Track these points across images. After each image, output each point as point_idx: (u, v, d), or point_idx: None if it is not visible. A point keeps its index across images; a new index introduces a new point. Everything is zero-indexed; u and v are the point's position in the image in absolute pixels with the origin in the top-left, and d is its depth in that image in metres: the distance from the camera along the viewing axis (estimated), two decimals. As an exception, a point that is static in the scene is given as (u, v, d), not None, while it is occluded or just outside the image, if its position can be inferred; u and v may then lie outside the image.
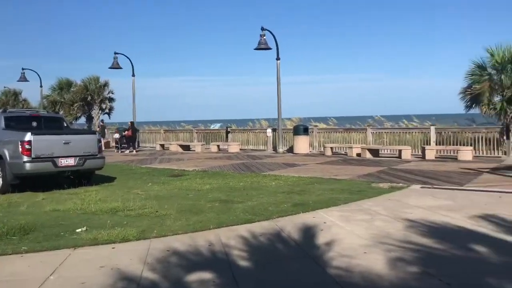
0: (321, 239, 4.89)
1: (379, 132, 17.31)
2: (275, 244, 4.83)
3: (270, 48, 18.16)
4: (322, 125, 21.91)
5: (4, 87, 36.06)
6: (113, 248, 4.86)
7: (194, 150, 20.22)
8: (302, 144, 17.42)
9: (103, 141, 15.74)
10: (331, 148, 16.78)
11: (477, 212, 5.85)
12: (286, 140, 18.90)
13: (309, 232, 5.19)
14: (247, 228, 5.46)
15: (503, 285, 3.37)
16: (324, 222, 5.64)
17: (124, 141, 20.86)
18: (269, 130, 19.24)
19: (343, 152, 16.59)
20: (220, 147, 20.04)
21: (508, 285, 3.36)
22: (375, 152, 15.41)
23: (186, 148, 20.92)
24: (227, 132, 20.88)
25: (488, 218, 5.53)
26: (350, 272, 3.78)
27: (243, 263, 4.21)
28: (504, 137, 14.41)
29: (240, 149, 19.62)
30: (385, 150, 15.89)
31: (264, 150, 19.16)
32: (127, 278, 3.84)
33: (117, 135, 22.08)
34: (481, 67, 16.85)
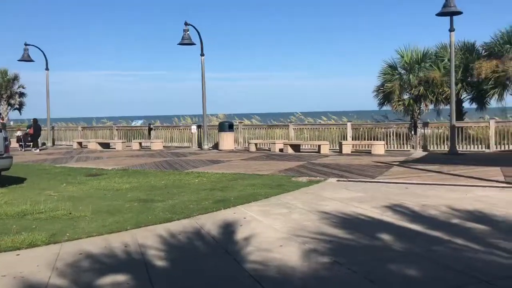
0: (240, 234, 4.95)
1: (300, 128, 17.90)
2: (194, 242, 4.81)
3: (194, 44, 17.98)
4: (247, 122, 22.18)
5: None
6: (17, 255, 4.52)
7: (114, 148, 19.43)
8: (227, 141, 17.49)
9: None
10: (255, 144, 17.06)
11: (385, 203, 6.29)
12: (211, 137, 18.86)
13: (228, 228, 5.23)
14: (166, 227, 5.37)
15: (403, 270, 3.66)
16: (244, 218, 5.71)
17: (29, 139, 19.54)
18: (193, 127, 19.06)
19: (267, 148, 16.93)
20: (142, 144, 19.46)
21: (407, 269, 3.65)
22: (296, 148, 15.93)
23: (105, 146, 20.03)
24: (150, 129, 20.35)
25: (394, 208, 5.96)
26: (265, 265, 3.87)
27: (160, 262, 4.13)
28: (412, 132, 15.63)
29: (164, 147, 19.22)
30: (306, 146, 16.49)
31: (189, 147, 18.96)
32: (31, 287, 3.59)
33: (19, 133, 20.58)
34: (392, 67, 18.11)
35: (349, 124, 16.74)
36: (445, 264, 3.72)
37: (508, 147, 14.29)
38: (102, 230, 5.33)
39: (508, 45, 16.10)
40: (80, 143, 21.01)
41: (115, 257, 4.33)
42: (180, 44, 17.78)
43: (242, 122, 19.93)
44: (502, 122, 15.12)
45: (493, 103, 17.11)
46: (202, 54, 18.19)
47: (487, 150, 14.29)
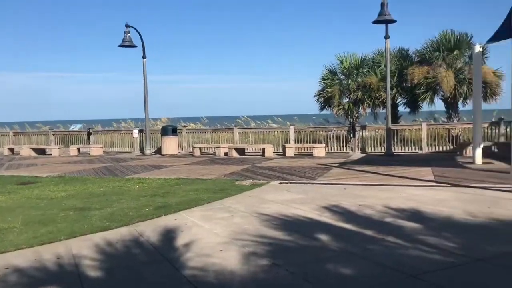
0: (180, 240, 4.88)
1: (245, 132, 17.99)
2: (132, 250, 4.67)
3: (135, 46, 17.54)
4: (191, 125, 21.94)
5: None
6: None
7: (50, 154, 18.44)
8: (170, 145, 17.20)
9: None
10: (200, 148, 16.92)
11: (324, 204, 6.47)
12: (154, 141, 18.46)
13: (169, 235, 5.14)
14: (103, 236, 5.18)
15: (339, 269, 3.78)
16: (185, 223, 5.64)
17: None
18: (135, 131, 18.56)
19: (212, 152, 16.84)
20: (81, 150, 18.63)
21: (343, 268, 3.78)
22: (241, 151, 15.99)
23: (41, 152, 18.96)
24: (89, 134, 19.53)
25: (333, 208, 6.15)
26: (205, 271, 3.84)
27: (95, 273, 3.97)
28: (351, 135, 16.23)
29: (104, 152, 18.54)
30: (251, 149, 16.59)
31: (131, 152, 18.43)
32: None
33: None
34: (332, 72, 18.75)
35: (292, 127, 17.07)
36: (378, 262, 3.88)
37: (439, 148, 15.24)
38: (32, 242, 5.04)
39: (437, 53, 17.19)
40: (11, 149, 19.73)
41: (46, 270, 4.11)
42: (120, 46, 17.29)
43: (186, 126, 19.69)
44: (433, 125, 16.10)
45: (424, 106, 18.20)
46: (144, 57, 17.79)
47: (420, 151, 15.13)
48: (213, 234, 5.09)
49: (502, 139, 14.07)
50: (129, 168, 12.61)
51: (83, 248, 4.70)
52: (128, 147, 19.01)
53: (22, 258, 4.45)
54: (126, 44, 17.22)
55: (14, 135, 21.39)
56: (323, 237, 4.73)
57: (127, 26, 17.13)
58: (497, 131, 14.61)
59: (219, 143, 17.22)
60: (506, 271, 3.57)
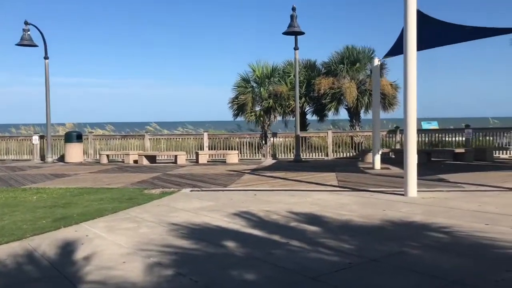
0: (80, 253, 4.59)
1: (157, 139, 17.56)
2: (24, 266, 4.29)
3: (36, 45, 16.32)
4: (99, 131, 20.88)
5: None
6: None
7: None
8: (74, 152, 16.20)
9: None
10: (107, 155, 16.15)
11: (234, 210, 6.52)
12: (57, 148, 17.26)
13: (67, 249, 4.81)
14: (-11, 253, 4.68)
15: (243, 274, 3.83)
16: (87, 235, 5.33)
17: None
18: (35, 137, 17.19)
19: (120, 160, 16.16)
20: (-30, 158, 16.79)
21: (247, 274, 3.84)
22: (152, 159, 15.55)
23: None
24: (-20, 140, 17.68)
25: (242, 215, 6.22)
26: (104, 284, 3.65)
27: (-22, 295, 3.58)
28: (263, 142, 16.64)
29: (-2, 160, 16.89)
30: (162, 156, 16.23)
31: (30, 160, 17.01)
32: None
33: None
34: (246, 80, 19.08)
35: (205, 134, 17.03)
36: (280, 266, 4.00)
37: (343, 154, 16.23)
38: None
39: (342, 65, 18.35)
40: None
41: None
42: (18, 45, 15.96)
43: (92, 132, 18.68)
44: (338, 133, 17.13)
45: (330, 115, 19.30)
46: (46, 57, 16.61)
47: (326, 158, 15.99)
48: (116, 245, 4.87)
49: (398, 146, 15.41)
50: (27, 178, 11.62)
51: (-35, 268, 4.21)
52: (26, 154, 17.54)
53: None
54: (25, 43, 15.97)
55: None
56: (230, 244, 4.76)
57: (26, 23, 15.88)
58: (394, 138, 15.98)
59: (128, 150, 16.58)
60: (396, 270, 3.89)
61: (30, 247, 4.92)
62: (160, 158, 16.13)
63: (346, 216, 6.03)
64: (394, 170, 11.45)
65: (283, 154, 16.36)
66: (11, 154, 17.68)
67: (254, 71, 18.99)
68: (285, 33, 14.98)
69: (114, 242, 5.02)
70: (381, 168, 11.84)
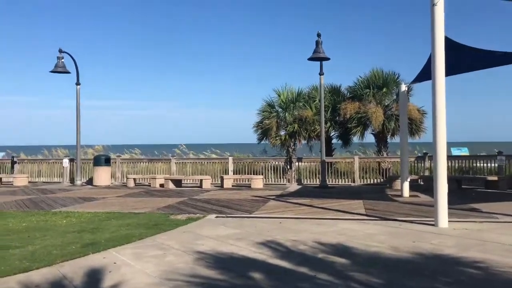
0: (108, 282, 4.62)
1: (183, 162, 17.76)
2: (54, 294, 4.35)
3: (68, 72, 16.97)
4: (126, 155, 21.29)
5: None
6: None
7: (-33, 184, 16.96)
8: (103, 176, 16.53)
9: None
10: (134, 179, 16.41)
11: (260, 239, 6.47)
12: (86, 171, 17.66)
13: (95, 276, 4.86)
14: (21, 279, 4.77)
15: (270, 308, 3.77)
16: (114, 262, 5.37)
17: None
18: (65, 160, 17.66)
19: (147, 183, 16.38)
20: (3, 180, 17.35)
21: (274, 307, 3.77)
22: (178, 183, 15.71)
23: (-44, 181, 17.40)
24: (13, 162, 18.29)
25: (268, 244, 6.16)
26: (132, 316, 3.65)
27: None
28: (288, 167, 16.59)
29: (30, 182, 17.39)
30: (188, 180, 16.37)
31: (60, 182, 17.44)
32: None
33: None
34: (270, 105, 19.21)
35: (230, 158, 17.13)
36: (309, 300, 3.92)
37: (370, 180, 15.98)
38: None
39: (368, 89, 18.27)
40: None
41: (-49, 321, 3.70)
42: (53, 71, 16.62)
43: (120, 156, 19.05)
44: (364, 158, 16.92)
45: (356, 140, 19.12)
46: (78, 83, 17.20)
47: (353, 184, 15.76)
48: (143, 274, 4.89)
49: (427, 173, 15.07)
50: (57, 201, 11.89)
51: (-3, 294, 4.31)
52: (57, 177, 18.00)
53: None
54: (59, 70, 16.61)
55: None
56: (257, 275, 4.70)
57: (60, 51, 16.56)
58: (422, 164, 15.65)
59: (155, 174, 16.81)
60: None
61: (59, 273, 4.99)
62: (185, 182, 16.27)
63: (374, 247, 5.89)
64: (424, 198, 11.18)
65: (308, 180, 16.23)
66: (42, 177, 18.18)
67: (279, 96, 19.13)
68: (310, 59, 15.11)
69: (141, 270, 5.04)
70: (410, 196, 11.58)
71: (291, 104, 18.91)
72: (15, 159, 18.52)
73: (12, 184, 16.83)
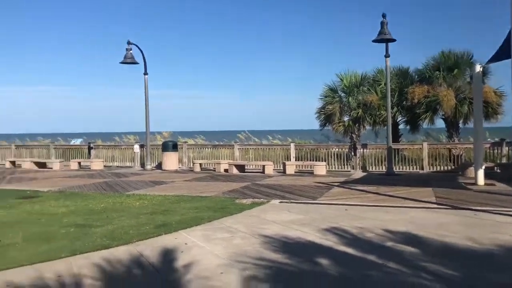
0: (180, 261, 4.87)
1: (245, 148, 18.03)
2: (132, 270, 4.66)
3: (137, 63, 17.70)
4: (191, 141, 22.00)
5: None
6: None
7: (51, 168, 18.46)
8: (171, 161, 17.23)
9: None
10: (200, 164, 16.94)
11: (325, 225, 6.46)
12: (155, 156, 18.50)
13: (168, 255, 5.13)
14: (103, 255, 5.17)
15: (339, 294, 3.77)
16: (185, 243, 5.63)
17: None
18: (136, 146, 18.61)
19: (212, 168, 16.85)
20: (82, 164, 18.68)
21: (343, 293, 3.77)
22: (241, 168, 16.00)
23: (42, 165, 18.99)
24: (90, 148, 19.59)
25: (333, 231, 6.14)
26: (205, 295, 3.83)
27: (95, 295, 3.96)
28: (352, 153, 16.26)
29: (105, 166, 18.56)
30: (251, 166, 16.61)
31: (131, 167, 18.44)
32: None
33: None
34: (333, 90, 18.85)
35: (292, 145, 17.11)
36: (378, 288, 3.88)
37: (440, 168, 15.24)
38: (34, 259, 5.03)
39: (437, 72, 17.31)
40: (13, 162, 19.77)
41: (46, 290, 4.10)
42: (122, 63, 17.43)
43: (186, 142, 19.74)
44: (434, 144, 16.14)
45: (425, 125, 18.25)
46: (145, 73, 17.94)
47: (421, 171, 15.13)
48: (213, 255, 5.08)
49: (504, 160, 14.09)
50: (130, 184, 12.61)
51: (84, 267, 4.69)
52: (129, 161, 19.03)
53: (23, 275, 4.44)
54: (128, 61, 17.36)
55: (16, 148, 21.46)
56: (324, 261, 4.72)
57: (129, 43, 17.30)
58: (499, 151, 14.63)
59: (219, 159, 17.23)
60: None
61: (136, 251, 5.33)
62: (248, 167, 16.53)
63: (448, 237, 5.65)
64: (501, 187, 10.48)
65: (373, 167, 15.82)
66: (115, 161, 19.34)
67: (341, 80, 18.70)
68: (375, 41, 14.56)
69: (211, 251, 5.25)
70: (485, 184, 10.90)
71: (355, 89, 18.42)
72: (91, 145, 19.84)
73: (89, 168, 18.09)
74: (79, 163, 18.66)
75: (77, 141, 25.25)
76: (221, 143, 19.84)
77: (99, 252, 5.30)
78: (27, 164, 19.01)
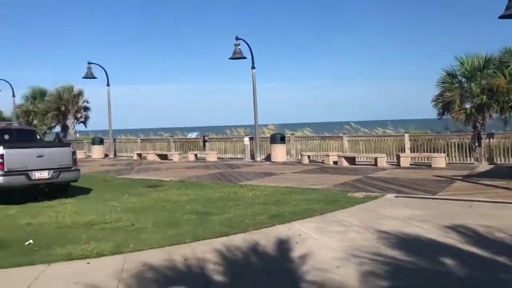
0: (296, 252, 4.95)
1: (355, 140, 17.58)
2: (251, 258, 4.88)
3: (245, 58, 18.24)
4: (298, 133, 22.13)
5: None
6: (88, 263, 4.84)
7: (171, 160, 20.10)
8: (279, 153, 17.56)
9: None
10: (308, 156, 16.96)
11: (447, 223, 6.02)
12: (264, 148, 19.00)
13: (284, 245, 5.26)
14: (223, 241, 5.49)
15: (468, 297, 3.50)
16: (299, 235, 5.71)
17: None
18: (246, 139, 19.31)
19: (320, 160, 16.76)
20: (198, 156, 20.00)
21: (473, 297, 3.49)
22: (351, 160, 15.65)
23: (163, 157, 20.78)
24: (204, 141, 20.87)
25: (457, 229, 5.70)
26: (322, 286, 3.85)
27: (219, 277, 4.24)
28: (476, 144, 14.85)
29: (218, 158, 19.62)
30: (361, 158, 16.15)
31: (242, 158, 19.21)
32: (100, 298, 3.82)
33: None
34: (451, 75, 17.36)
35: (406, 135, 16.21)
36: (515, 294, 3.51)
37: None
38: (163, 242, 5.55)
39: None
40: (139, 155, 21.95)
41: (176, 270, 4.50)
42: (231, 58, 18.11)
43: (294, 134, 19.93)
44: None
45: None
46: (253, 67, 18.42)
47: (561, 164, 13.25)
48: (328, 248, 5.08)
49: None
50: (242, 175, 13.15)
51: (206, 252, 5.04)
52: (239, 153, 19.85)
53: (155, 257, 4.93)
54: (237, 56, 17.99)
55: (141, 142, 23.81)
56: (447, 261, 4.41)
57: (237, 38, 17.90)
58: None
59: (327, 151, 17.06)
60: None
61: (253, 240, 5.56)
62: (359, 159, 16.09)
63: None
64: None
65: (502, 158, 14.25)
66: (227, 153, 20.34)
67: (461, 64, 17.09)
68: (502, 17, 12.99)
69: (326, 244, 5.25)
70: None
71: (478, 73, 16.69)
72: (206, 138, 21.14)
73: (205, 159, 19.31)
74: (196, 155, 20.01)
75: (193, 135, 27.12)
76: (329, 135, 19.61)
77: (218, 239, 5.65)
78: (151, 156, 20.96)
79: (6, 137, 10.16)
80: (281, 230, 6.00)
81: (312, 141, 18.79)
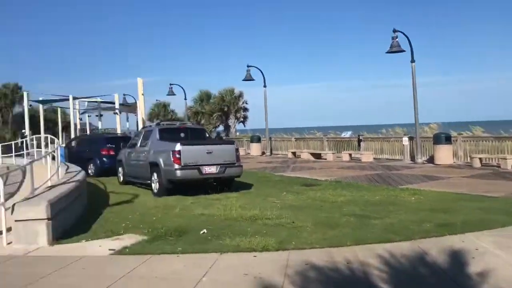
0: (472, 268, 4.42)
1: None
2: (418, 268, 4.54)
3: (403, 51, 17.14)
4: (467, 133, 19.90)
5: (156, 100, 41.09)
6: (254, 256, 5.12)
7: (325, 159, 20.15)
8: (444, 154, 16.05)
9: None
10: (480, 159, 15.09)
11: None
12: (425, 149, 17.61)
13: (457, 259, 4.75)
14: (386, 248, 5.23)
15: None
16: (476, 249, 5.08)
17: None
18: (405, 139, 18.17)
19: (495, 164, 14.77)
20: (352, 156, 19.61)
21: None
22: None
23: (317, 156, 20.98)
24: (359, 140, 20.33)
25: None
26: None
27: (383, 285, 4.04)
28: None
29: (374, 159, 18.91)
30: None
31: (401, 160, 18.14)
32: (269, 290, 4.00)
33: None
34: None
35: None
36: None
37: None
38: (323, 243, 5.56)
39: None
40: (294, 153, 22.59)
41: (339, 272, 4.45)
42: (388, 52, 17.21)
43: (461, 134, 17.97)
44: None
45: None
46: (412, 61, 17.21)
47: None
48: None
49: None
50: (401, 177, 12.42)
51: (369, 257, 4.86)
52: (397, 154, 18.80)
53: (316, 257, 4.96)
54: (394, 49, 17.00)
55: (295, 141, 24.48)
56: None
57: (394, 31, 16.91)
58: None
59: (504, 154, 14.93)
60: None
61: (419, 249, 5.16)
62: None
63: None
64: None
65: None
66: (384, 154, 19.45)
67: None
68: None
69: (510, 262, 4.56)
70: None
71: None
72: (361, 138, 20.58)
73: (359, 159, 18.81)
74: (350, 154, 19.66)
75: (347, 134, 26.72)
76: (507, 135, 17.15)
77: (381, 245, 5.39)
78: (304, 154, 21.37)
79: (182, 135, 11.51)
80: (453, 242, 5.43)
81: (484, 141, 16.64)
